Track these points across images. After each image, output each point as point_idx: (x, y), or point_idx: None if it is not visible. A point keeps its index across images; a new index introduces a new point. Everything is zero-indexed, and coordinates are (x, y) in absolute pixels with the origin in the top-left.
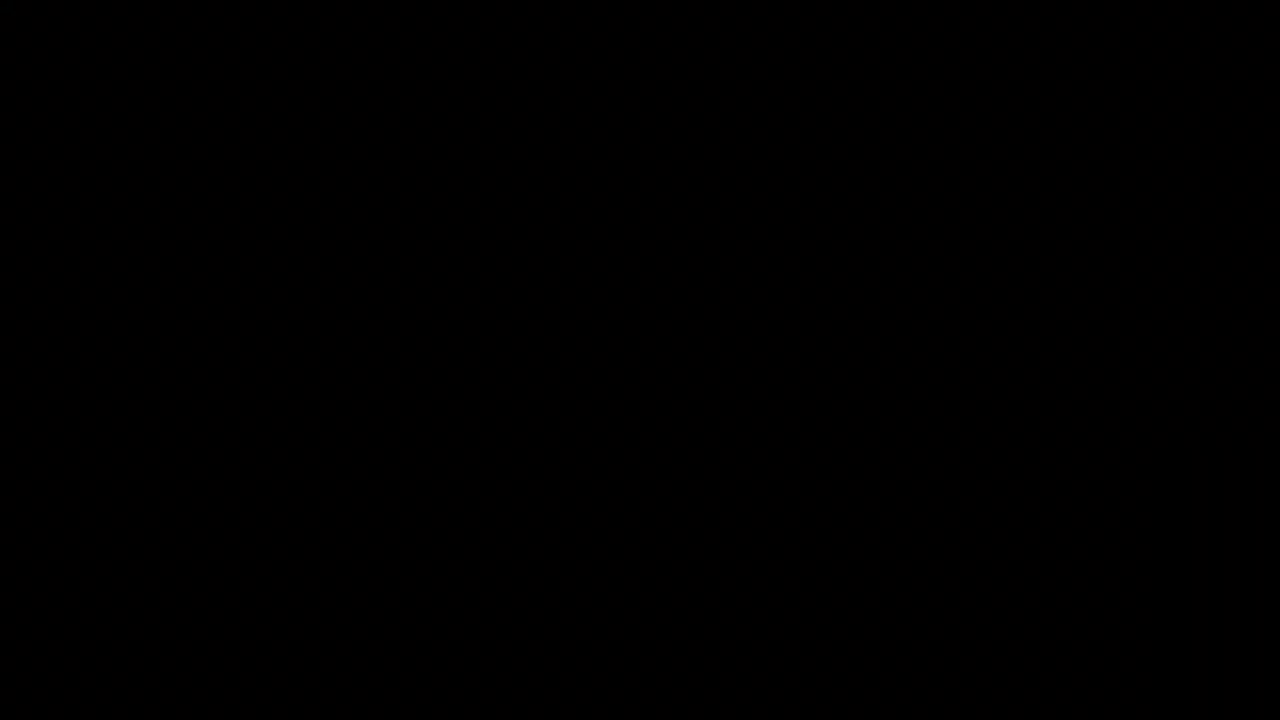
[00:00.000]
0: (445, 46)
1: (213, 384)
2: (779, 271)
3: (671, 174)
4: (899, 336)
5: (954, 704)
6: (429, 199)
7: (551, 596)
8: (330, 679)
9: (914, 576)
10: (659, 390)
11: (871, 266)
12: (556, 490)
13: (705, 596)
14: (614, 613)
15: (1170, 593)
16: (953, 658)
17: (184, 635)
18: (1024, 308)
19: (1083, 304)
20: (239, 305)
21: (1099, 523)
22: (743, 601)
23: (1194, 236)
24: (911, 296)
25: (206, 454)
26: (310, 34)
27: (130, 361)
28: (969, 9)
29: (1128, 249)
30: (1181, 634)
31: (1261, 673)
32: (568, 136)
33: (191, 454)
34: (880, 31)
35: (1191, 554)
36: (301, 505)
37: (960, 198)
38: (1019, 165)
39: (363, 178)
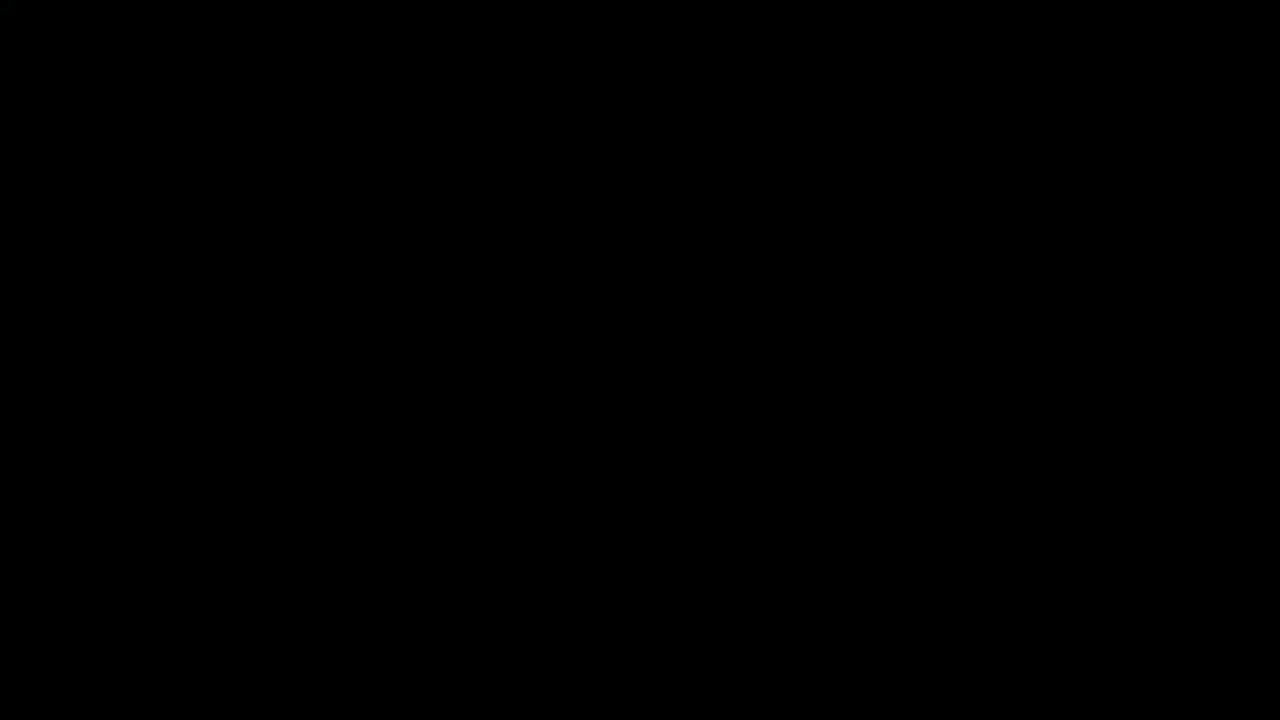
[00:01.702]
0: (445, 46)
1: (213, 384)
2: (779, 271)
3: (671, 174)
4: (899, 336)
5: (954, 704)
6: (429, 199)
7: (551, 596)
8: (330, 679)
9: (914, 576)
10: (659, 390)
11: (871, 266)
12: (556, 490)
13: (705, 596)
14: (614, 613)
15: (1170, 593)
16: (953, 658)
17: (184, 635)
18: (1024, 308)
19: (1083, 304)
20: (239, 305)
21: (1099, 523)
22: (743, 601)
23: (1194, 236)
24: (911, 296)
25: (206, 454)
26: (310, 34)
27: (130, 361)
28: (969, 9)
29: (1128, 249)
30: (1181, 634)
31: (1262, 673)
32: (568, 136)
33: (191, 454)
34: (880, 31)
35: (1192, 554)
36: (301, 505)
37: (960, 198)
38: (1019, 165)
39: (363, 178)
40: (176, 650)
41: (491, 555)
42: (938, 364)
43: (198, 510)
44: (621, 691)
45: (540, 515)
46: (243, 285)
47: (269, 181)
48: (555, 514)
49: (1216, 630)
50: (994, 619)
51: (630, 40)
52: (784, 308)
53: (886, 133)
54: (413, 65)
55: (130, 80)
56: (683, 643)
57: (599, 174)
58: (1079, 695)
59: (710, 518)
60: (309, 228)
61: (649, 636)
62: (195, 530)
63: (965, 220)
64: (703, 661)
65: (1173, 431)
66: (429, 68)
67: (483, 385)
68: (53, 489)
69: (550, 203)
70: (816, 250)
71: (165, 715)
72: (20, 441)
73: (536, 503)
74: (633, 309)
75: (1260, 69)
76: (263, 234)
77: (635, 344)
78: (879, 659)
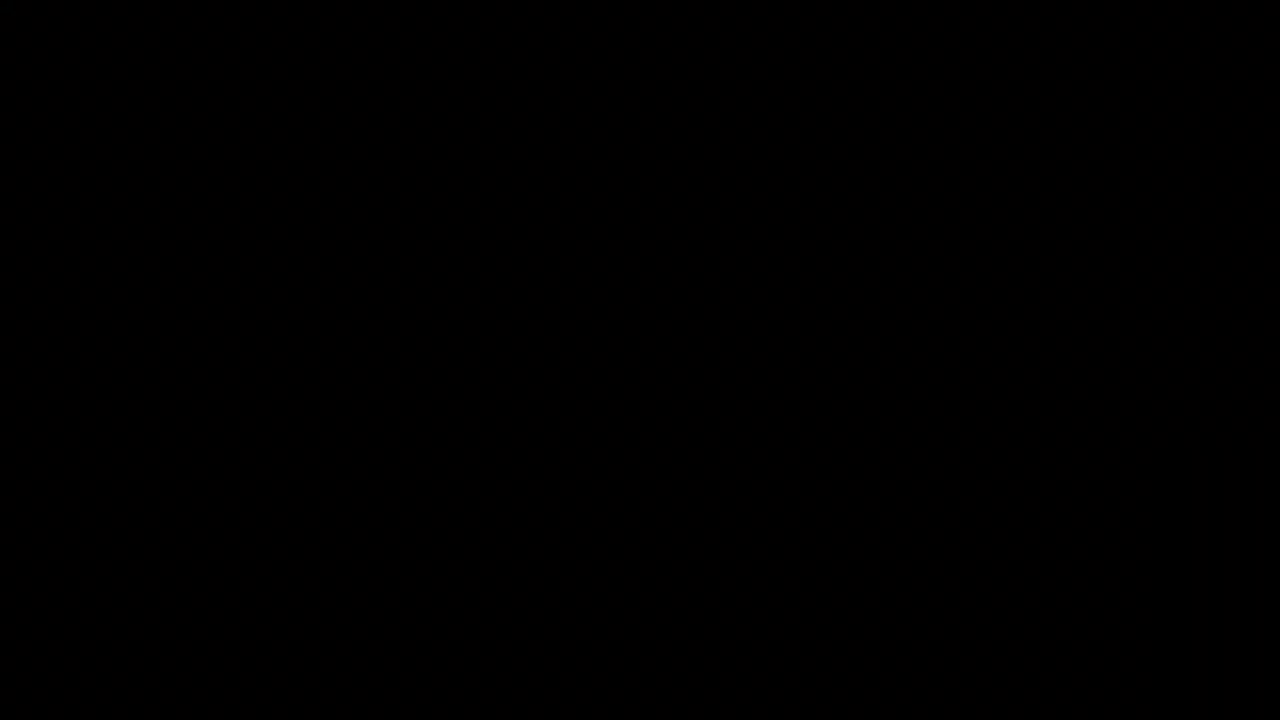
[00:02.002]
0: (445, 46)
1: (213, 384)
2: (779, 271)
3: (671, 174)
4: (899, 336)
5: (954, 704)
6: (429, 199)
7: (552, 597)
8: (330, 679)
9: (914, 576)
10: (659, 390)
11: (871, 266)
12: (557, 490)
13: (705, 597)
14: (614, 613)
15: (1170, 593)
16: (953, 658)
17: (184, 635)
18: (1024, 308)
19: (1083, 304)
20: (239, 305)
21: (1099, 523)
22: (743, 602)
23: (1194, 236)
24: (911, 296)
25: (207, 454)
26: (310, 34)
27: (130, 361)
28: (969, 9)
29: (1128, 249)
30: (1181, 634)
31: (1262, 673)
32: (568, 137)
33: (192, 454)
34: (880, 31)
35: (1192, 554)
36: (302, 505)
37: (960, 198)
38: (1019, 165)
39: (363, 178)
40: (177, 650)
41: (491, 555)
42: (937, 364)
43: (198, 510)
44: (621, 691)
45: (540, 515)
46: (243, 285)
47: (269, 181)
48: (555, 514)
49: (1216, 630)
50: (994, 619)
51: (630, 40)
52: (784, 307)
53: (886, 133)
54: (413, 65)
55: (130, 80)
56: (683, 643)
57: (599, 174)
58: (1079, 695)
59: (710, 518)
60: (309, 228)
61: (649, 637)
62: (195, 530)
63: (965, 220)
64: (703, 662)
65: (1173, 431)
66: (429, 68)
67: (483, 385)
68: (53, 489)
69: (550, 203)
70: (816, 250)
71: (165, 715)
72: (20, 442)
73: (537, 503)
74: (633, 309)
75: (1260, 69)
76: (263, 234)
77: (635, 344)
78: (879, 659)
